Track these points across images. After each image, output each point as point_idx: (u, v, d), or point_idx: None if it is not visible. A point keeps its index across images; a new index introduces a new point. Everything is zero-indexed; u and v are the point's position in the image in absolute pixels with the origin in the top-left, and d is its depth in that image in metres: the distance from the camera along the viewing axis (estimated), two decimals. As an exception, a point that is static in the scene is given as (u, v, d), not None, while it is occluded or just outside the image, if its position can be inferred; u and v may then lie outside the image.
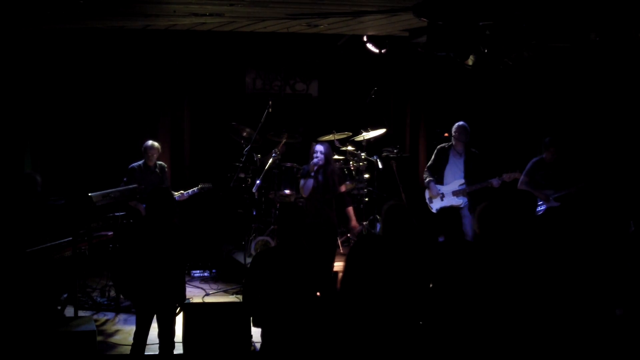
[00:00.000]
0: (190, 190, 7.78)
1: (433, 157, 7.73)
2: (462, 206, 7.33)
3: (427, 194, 7.68)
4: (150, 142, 7.79)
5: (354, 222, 7.20)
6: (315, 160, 6.83)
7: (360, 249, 3.90)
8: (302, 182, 6.89)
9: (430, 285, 4.65)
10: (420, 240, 4.72)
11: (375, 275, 3.80)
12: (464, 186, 7.45)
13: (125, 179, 7.62)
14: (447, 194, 7.53)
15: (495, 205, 4.67)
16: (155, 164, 7.83)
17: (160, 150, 7.88)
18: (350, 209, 7.15)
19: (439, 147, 7.74)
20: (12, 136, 8.07)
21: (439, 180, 7.60)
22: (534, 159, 7.60)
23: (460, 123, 7.56)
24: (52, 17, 6.53)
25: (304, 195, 6.85)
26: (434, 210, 7.56)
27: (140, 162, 7.78)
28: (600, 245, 4.59)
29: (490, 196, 7.36)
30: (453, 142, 7.58)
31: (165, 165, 8.02)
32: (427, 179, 7.62)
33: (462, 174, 7.48)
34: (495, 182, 7.29)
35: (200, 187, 7.87)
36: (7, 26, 7.17)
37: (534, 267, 4.54)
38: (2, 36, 7.59)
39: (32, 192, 6.64)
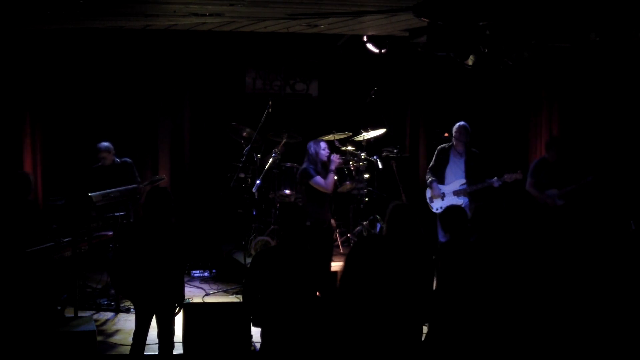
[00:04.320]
0: (141, 185, 7.62)
1: (434, 157, 7.73)
2: (463, 206, 7.33)
3: (428, 194, 7.69)
4: (98, 145, 7.65)
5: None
6: (334, 155, 6.84)
7: (360, 249, 3.90)
8: (319, 179, 6.77)
9: (435, 285, 4.65)
10: (423, 241, 4.72)
11: (374, 275, 3.79)
12: (464, 186, 7.46)
13: (86, 180, 7.51)
14: (448, 193, 7.54)
15: (487, 206, 4.68)
16: (115, 163, 7.70)
17: (109, 150, 7.66)
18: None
19: (439, 147, 7.74)
20: (11, 136, 8.08)
21: (440, 181, 7.61)
22: (537, 160, 7.70)
23: (461, 123, 7.56)
24: (52, 17, 6.53)
25: (329, 191, 6.81)
26: (434, 210, 7.58)
27: (100, 163, 7.71)
28: (601, 245, 4.59)
29: (491, 196, 7.40)
30: (454, 142, 7.58)
31: (130, 161, 7.81)
32: (429, 179, 7.64)
33: (463, 174, 7.49)
34: (495, 182, 7.30)
35: (150, 181, 7.65)
36: (7, 26, 7.17)
37: (536, 266, 4.55)
38: (2, 36, 7.59)
39: (27, 191, 6.62)
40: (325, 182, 6.75)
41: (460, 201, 7.39)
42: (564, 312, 4.64)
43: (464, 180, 7.47)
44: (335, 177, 7.20)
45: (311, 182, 6.78)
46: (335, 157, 6.83)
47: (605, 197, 7.49)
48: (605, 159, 8.10)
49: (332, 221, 7.25)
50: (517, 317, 4.39)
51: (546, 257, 4.63)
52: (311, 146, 6.94)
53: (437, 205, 7.56)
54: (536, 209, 7.56)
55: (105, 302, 6.94)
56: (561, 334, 4.49)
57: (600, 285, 4.47)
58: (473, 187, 7.40)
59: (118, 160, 7.75)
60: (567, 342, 4.45)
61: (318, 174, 6.78)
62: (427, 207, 7.68)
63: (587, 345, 4.40)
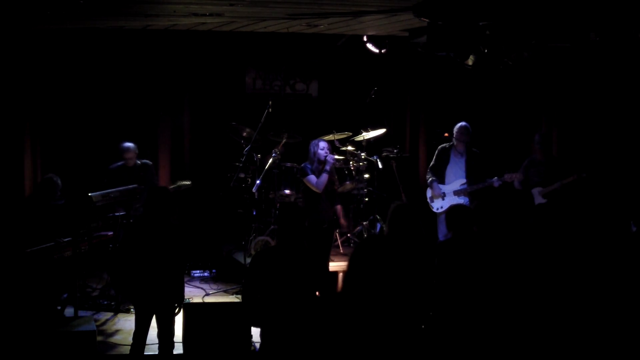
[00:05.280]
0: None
1: (435, 157, 7.72)
2: None
3: (428, 193, 7.68)
4: (125, 144, 7.72)
5: (342, 219, 7.18)
6: (330, 156, 6.83)
7: (364, 250, 3.90)
8: (312, 178, 6.78)
9: (435, 284, 4.65)
10: (424, 241, 4.72)
11: (378, 276, 3.79)
12: (465, 186, 7.45)
13: (105, 180, 7.57)
14: (448, 193, 7.52)
15: (487, 204, 4.68)
16: (137, 164, 7.78)
17: (136, 151, 7.78)
18: (340, 207, 7.15)
19: (440, 147, 7.73)
20: (12, 136, 8.07)
21: (441, 180, 7.60)
22: (529, 157, 7.72)
23: (462, 123, 7.55)
24: (52, 17, 6.53)
25: (319, 191, 6.80)
26: (434, 210, 7.58)
27: (120, 163, 7.75)
28: (601, 246, 4.58)
29: (491, 195, 7.39)
30: (454, 142, 7.58)
31: (150, 163, 7.95)
32: (430, 179, 7.63)
33: (464, 174, 7.48)
34: (496, 182, 7.30)
35: (178, 185, 7.82)
36: (7, 26, 7.17)
37: (536, 266, 4.55)
38: (2, 36, 7.59)
39: (52, 195, 6.66)
40: (316, 182, 6.76)
41: (460, 201, 7.38)
42: (565, 313, 4.64)
43: (464, 180, 7.47)
44: (336, 177, 7.20)
45: (304, 180, 6.83)
46: (331, 158, 6.83)
47: (597, 197, 7.49)
48: (606, 159, 8.10)
49: (343, 222, 7.23)
50: (516, 316, 4.39)
51: (541, 256, 4.63)
52: (311, 145, 6.95)
53: (437, 205, 7.55)
54: (530, 207, 7.57)
55: (105, 302, 6.94)
56: (562, 335, 4.49)
57: (599, 287, 4.47)
58: (473, 187, 7.40)
59: (139, 162, 7.79)
60: (567, 343, 4.46)
61: (313, 173, 6.80)
62: (428, 207, 7.68)
63: (587, 346, 4.40)
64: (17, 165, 8.01)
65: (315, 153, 6.85)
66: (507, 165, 7.66)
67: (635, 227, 5.32)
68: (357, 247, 3.99)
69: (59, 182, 6.78)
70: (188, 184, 7.85)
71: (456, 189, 7.49)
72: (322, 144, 6.90)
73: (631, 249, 4.63)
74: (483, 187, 7.37)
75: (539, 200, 7.43)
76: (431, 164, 7.76)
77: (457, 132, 7.53)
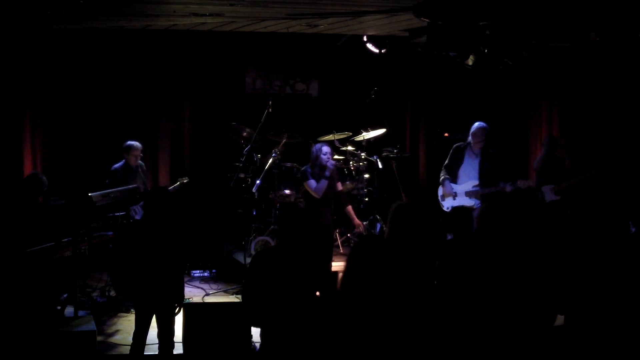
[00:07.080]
0: (171, 187, 7.78)
1: (449, 156, 7.57)
2: (474, 207, 7.25)
3: (440, 191, 7.59)
4: (134, 143, 7.76)
5: (356, 220, 7.18)
6: (330, 162, 6.81)
7: (361, 250, 3.90)
8: (312, 183, 6.76)
9: (436, 284, 4.64)
10: (426, 241, 4.71)
11: (375, 275, 3.80)
12: (477, 188, 7.34)
13: (107, 181, 7.59)
14: (460, 193, 7.43)
15: (494, 207, 4.67)
16: (137, 164, 7.83)
17: (142, 150, 7.87)
18: (350, 208, 7.15)
19: (455, 145, 7.56)
20: (11, 136, 8.08)
21: (453, 179, 7.50)
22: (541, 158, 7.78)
23: (481, 124, 7.34)
24: (52, 17, 6.53)
25: (317, 197, 6.79)
26: (444, 209, 7.48)
27: (122, 163, 7.76)
28: (601, 247, 4.57)
29: (499, 198, 7.34)
30: (471, 142, 7.43)
31: (144, 165, 8.04)
32: (443, 177, 7.53)
33: (477, 175, 7.36)
34: (508, 187, 7.17)
35: (180, 183, 7.89)
36: (7, 26, 7.17)
37: (538, 267, 4.55)
38: (2, 36, 7.60)
39: (38, 192, 6.65)
40: (314, 187, 6.75)
41: (471, 202, 7.25)
42: (566, 314, 4.65)
43: (476, 182, 7.35)
44: (337, 181, 7.18)
45: (304, 184, 6.83)
46: (331, 165, 6.81)
47: (603, 196, 7.49)
48: (605, 158, 8.11)
49: (358, 222, 7.20)
50: (517, 317, 4.39)
51: (547, 255, 4.63)
52: (314, 148, 6.95)
53: (447, 204, 7.41)
54: (536, 206, 7.57)
55: (105, 302, 6.94)
56: (562, 336, 4.49)
57: (601, 287, 4.46)
58: (485, 190, 7.26)
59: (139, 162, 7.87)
60: (567, 344, 4.46)
61: (314, 177, 6.79)
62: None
63: (587, 346, 4.40)
64: (16, 165, 8.01)
65: (317, 157, 6.84)
66: (518, 165, 7.63)
67: (634, 228, 5.31)
68: (354, 248, 3.99)
69: (44, 179, 6.77)
70: (187, 180, 7.91)
71: (468, 190, 7.40)
72: (325, 149, 6.88)
73: (631, 250, 4.63)
74: (495, 190, 7.27)
75: (550, 197, 7.40)
76: (445, 162, 7.62)
77: (475, 134, 7.31)
